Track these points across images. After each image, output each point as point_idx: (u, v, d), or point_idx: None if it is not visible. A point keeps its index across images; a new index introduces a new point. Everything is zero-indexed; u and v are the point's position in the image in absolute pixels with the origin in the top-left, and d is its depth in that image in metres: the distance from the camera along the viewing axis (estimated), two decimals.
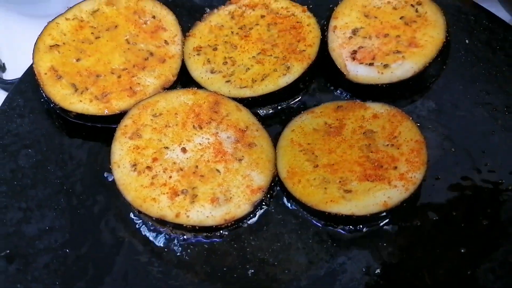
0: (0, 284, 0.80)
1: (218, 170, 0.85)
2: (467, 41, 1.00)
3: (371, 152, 0.85)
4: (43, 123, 0.97)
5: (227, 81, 0.96)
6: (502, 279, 0.77)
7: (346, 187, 0.82)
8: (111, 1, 1.01)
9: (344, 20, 0.99)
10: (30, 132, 0.96)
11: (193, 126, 0.89)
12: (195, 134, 0.88)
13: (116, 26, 1.00)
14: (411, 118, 0.88)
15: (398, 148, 0.85)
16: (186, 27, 1.03)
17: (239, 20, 1.03)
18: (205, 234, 0.85)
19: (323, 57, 0.97)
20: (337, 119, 0.91)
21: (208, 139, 0.88)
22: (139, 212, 0.83)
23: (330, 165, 0.85)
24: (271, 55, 0.97)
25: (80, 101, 0.93)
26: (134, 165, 0.85)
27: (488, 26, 1.00)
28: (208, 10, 1.06)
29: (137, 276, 0.82)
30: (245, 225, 0.86)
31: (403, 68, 0.92)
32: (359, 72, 0.94)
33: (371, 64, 0.94)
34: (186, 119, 0.90)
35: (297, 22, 1.00)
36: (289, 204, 0.87)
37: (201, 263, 0.83)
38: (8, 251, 0.83)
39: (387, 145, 0.86)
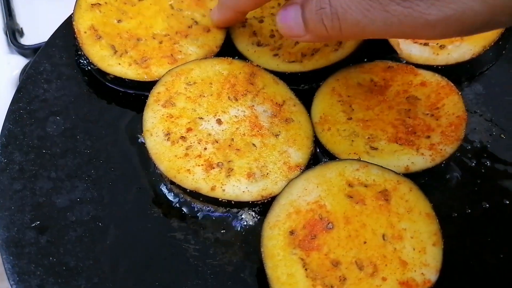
0: (31, 256, 0.75)
1: (254, 145, 0.82)
2: None
3: (408, 118, 0.84)
4: (71, 90, 0.91)
5: (275, 55, 0.92)
6: None
7: (373, 144, 0.82)
8: None
9: None
10: (58, 98, 0.90)
11: (228, 97, 0.86)
12: (231, 106, 0.85)
13: None
14: (460, 93, 0.86)
15: (437, 119, 0.84)
16: None
17: None
18: (237, 210, 0.81)
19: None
20: (384, 79, 0.89)
21: (244, 111, 0.85)
22: (172, 183, 0.79)
23: (364, 121, 0.85)
24: None
25: (119, 64, 0.88)
26: (168, 134, 0.81)
27: None
28: None
29: (173, 253, 0.78)
30: None
31: (461, 50, 0.90)
32: (412, 52, 0.91)
33: (426, 44, 0.91)
34: (221, 90, 0.86)
35: None
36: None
37: (239, 242, 0.79)
38: (38, 222, 0.78)
39: (427, 114, 0.85)
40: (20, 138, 0.86)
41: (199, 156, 0.80)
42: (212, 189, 0.78)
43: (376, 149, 0.81)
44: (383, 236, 0.71)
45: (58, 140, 0.87)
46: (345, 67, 0.91)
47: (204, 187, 0.78)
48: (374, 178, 0.75)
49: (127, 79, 0.87)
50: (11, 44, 1.17)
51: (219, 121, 0.84)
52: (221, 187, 0.78)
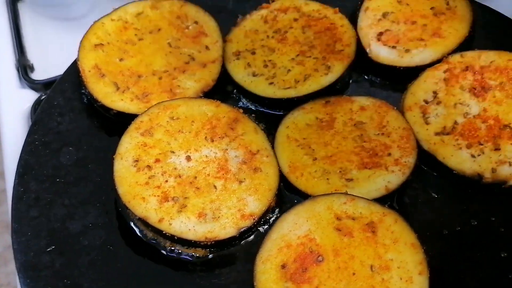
0: (48, 279, 0.80)
1: (215, 186, 0.84)
2: None
3: (364, 142, 0.90)
4: (83, 122, 0.98)
5: (271, 83, 0.98)
6: None
7: (347, 176, 0.87)
8: (156, 5, 1.04)
9: (377, 3, 1.07)
10: (71, 131, 0.97)
11: (205, 137, 0.89)
12: (205, 146, 0.88)
13: (159, 30, 1.02)
14: (395, 108, 0.94)
15: (389, 136, 0.90)
16: (222, 33, 1.05)
17: (272, 24, 1.06)
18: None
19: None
20: (327, 114, 0.95)
21: (216, 153, 0.87)
22: (126, 207, 0.82)
23: (328, 157, 0.89)
24: (310, 56, 1.01)
25: (122, 99, 0.95)
26: (136, 161, 0.85)
27: None
28: (240, 16, 1.09)
29: (180, 274, 0.83)
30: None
31: (423, 55, 0.99)
32: (381, 53, 1.01)
33: (393, 47, 1.01)
34: (200, 129, 0.89)
35: (331, 24, 1.04)
36: None
37: (243, 261, 0.84)
38: (54, 247, 0.84)
39: (378, 134, 0.91)
40: (35, 168, 0.92)
41: (158, 187, 0.84)
42: (160, 221, 0.81)
43: (351, 179, 0.86)
44: (371, 267, 0.75)
45: (71, 169, 0.93)
46: (291, 111, 0.96)
47: (153, 217, 0.81)
48: (361, 210, 0.79)
49: (129, 113, 0.93)
50: (23, 79, 1.21)
51: (188, 158, 0.87)
52: (169, 221, 0.81)
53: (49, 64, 1.20)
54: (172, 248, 0.84)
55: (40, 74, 1.22)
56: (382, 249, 0.76)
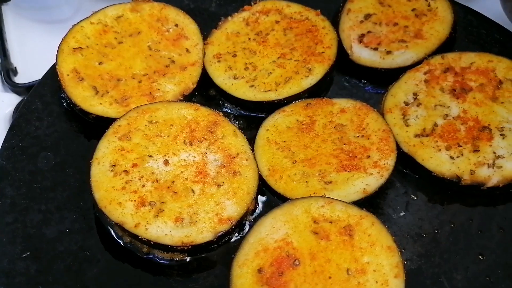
0: (22, 285, 0.79)
1: (193, 191, 0.84)
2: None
3: (344, 144, 0.90)
4: (61, 126, 0.98)
5: (251, 86, 0.98)
6: None
7: (325, 179, 0.87)
8: (136, 8, 1.03)
9: (359, 4, 1.07)
10: (49, 135, 0.96)
11: (184, 141, 0.88)
12: (183, 150, 0.87)
13: (139, 33, 1.02)
14: (375, 110, 0.94)
15: (368, 138, 0.91)
16: (203, 35, 1.05)
17: (254, 27, 1.06)
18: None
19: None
20: (307, 116, 0.95)
21: (194, 157, 0.87)
22: (102, 212, 0.81)
23: (308, 160, 0.89)
24: (291, 59, 1.00)
25: (100, 103, 0.94)
26: (113, 165, 0.85)
27: (499, 40, 1.04)
28: (222, 18, 1.08)
29: (158, 279, 0.82)
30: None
31: (404, 56, 1.00)
32: (362, 55, 1.01)
33: (375, 49, 1.01)
34: (179, 133, 0.89)
35: (312, 26, 1.04)
36: None
37: (220, 265, 0.83)
38: (29, 253, 0.83)
39: (358, 136, 0.91)
40: (12, 174, 0.92)
41: (135, 191, 0.83)
42: (136, 226, 0.80)
43: (330, 182, 0.86)
44: (347, 270, 0.74)
45: (49, 174, 0.92)
46: (271, 114, 0.95)
47: (129, 222, 0.80)
48: (339, 214, 0.79)
49: (108, 117, 0.92)
50: (5, 83, 1.20)
51: (166, 162, 0.86)
52: (145, 226, 0.80)
53: (33, 68, 1.19)
54: (150, 252, 0.83)
55: (23, 77, 1.22)
56: (358, 252, 0.75)
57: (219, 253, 0.84)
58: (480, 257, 0.82)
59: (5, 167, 0.92)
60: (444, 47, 1.01)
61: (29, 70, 1.23)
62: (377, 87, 1.02)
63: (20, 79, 1.23)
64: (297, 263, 0.75)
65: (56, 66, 0.97)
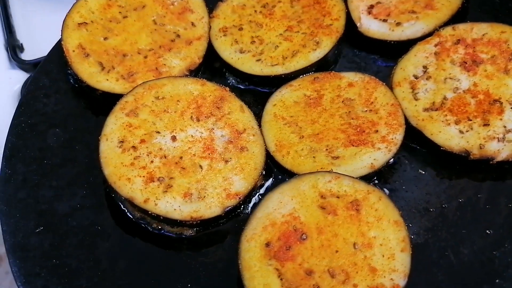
0: (36, 259, 0.82)
1: (201, 166, 0.84)
2: None
3: (352, 119, 0.89)
4: (69, 103, 0.98)
5: (258, 60, 0.97)
6: None
7: (333, 154, 0.86)
8: None
9: None
10: (57, 112, 0.97)
11: (191, 117, 0.88)
12: (190, 125, 0.87)
13: (143, 6, 1.00)
14: (384, 83, 0.92)
15: (376, 113, 0.90)
16: (208, 9, 1.03)
17: None
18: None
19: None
20: (315, 90, 0.94)
21: (202, 133, 0.87)
22: (112, 188, 0.82)
23: (315, 135, 0.89)
24: (298, 32, 0.99)
25: (107, 79, 0.94)
26: (122, 141, 0.85)
27: None
28: None
29: (168, 253, 0.84)
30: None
31: (414, 28, 0.98)
32: (371, 27, 0.99)
33: (384, 20, 0.99)
34: (186, 108, 0.89)
35: None
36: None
37: (229, 239, 0.84)
38: (42, 228, 0.85)
39: (366, 110, 0.90)
40: (22, 150, 0.93)
41: (144, 167, 0.83)
42: (145, 201, 0.81)
43: (337, 157, 0.86)
44: (354, 244, 0.75)
45: (58, 151, 0.93)
46: (278, 89, 0.94)
47: (138, 198, 0.81)
48: (346, 189, 0.79)
49: (115, 93, 0.92)
50: (12, 60, 1.20)
51: (173, 138, 0.86)
52: (154, 201, 0.81)
53: (39, 44, 1.18)
54: (160, 227, 0.85)
55: (30, 54, 1.22)
56: (365, 227, 0.76)
57: (227, 227, 0.85)
58: (487, 231, 0.82)
59: (15, 144, 0.93)
60: (456, 18, 0.98)
61: (36, 47, 1.23)
62: (387, 60, 1.00)
63: (26, 55, 1.23)
64: (304, 238, 0.76)
65: (62, 42, 0.96)
